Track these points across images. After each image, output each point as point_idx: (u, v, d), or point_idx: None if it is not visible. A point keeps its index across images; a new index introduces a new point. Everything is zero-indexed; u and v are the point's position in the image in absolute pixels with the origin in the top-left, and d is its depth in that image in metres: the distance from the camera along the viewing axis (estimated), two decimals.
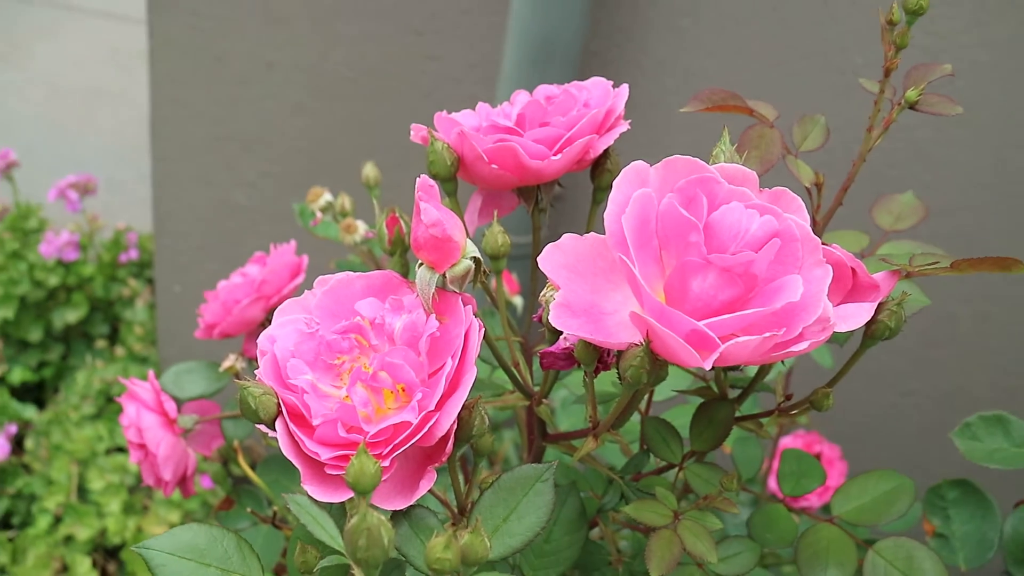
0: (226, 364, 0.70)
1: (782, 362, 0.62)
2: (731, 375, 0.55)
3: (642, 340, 0.41)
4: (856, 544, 0.56)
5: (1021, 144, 1.21)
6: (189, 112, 1.43)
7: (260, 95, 1.39)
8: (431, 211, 0.45)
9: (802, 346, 0.40)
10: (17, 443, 1.67)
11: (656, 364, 0.41)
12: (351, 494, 0.42)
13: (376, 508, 0.42)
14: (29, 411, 1.68)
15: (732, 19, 1.21)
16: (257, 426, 0.46)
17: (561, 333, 0.47)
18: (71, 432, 1.61)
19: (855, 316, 0.44)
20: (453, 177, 0.52)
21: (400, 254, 0.52)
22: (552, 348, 0.48)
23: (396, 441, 0.43)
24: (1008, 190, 1.24)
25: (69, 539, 1.49)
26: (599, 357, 0.46)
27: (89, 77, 3.10)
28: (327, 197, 0.78)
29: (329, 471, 0.44)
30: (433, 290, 0.46)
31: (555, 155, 0.50)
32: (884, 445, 1.46)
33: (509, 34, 1.19)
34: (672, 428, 0.56)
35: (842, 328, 0.43)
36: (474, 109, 0.56)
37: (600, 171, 0.54)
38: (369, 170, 0.77)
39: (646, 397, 0.59)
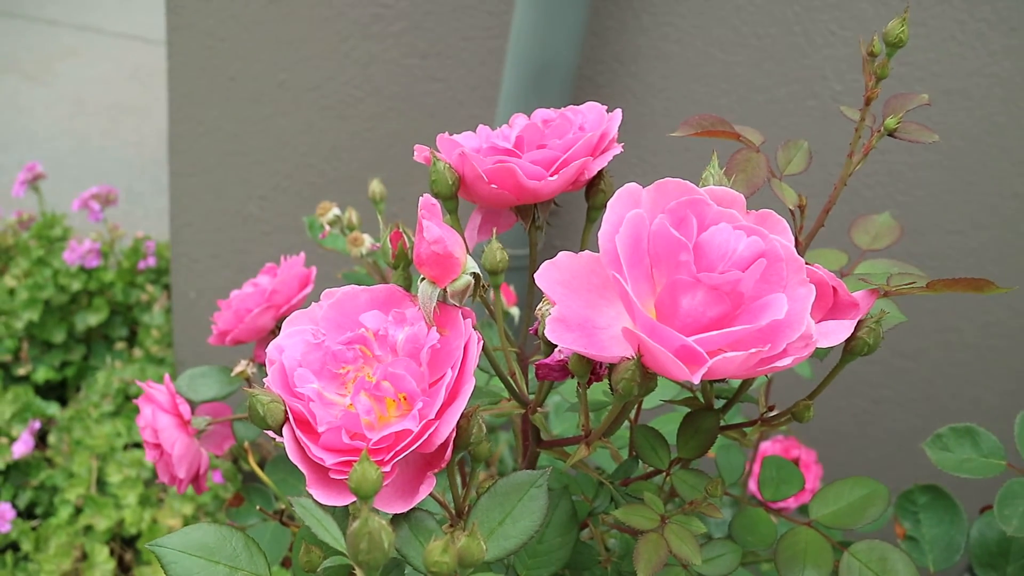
0: (238, 369, 0.70)
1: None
2: (716, 386, 0.55)
3: (634, 354, 0.40)
4: (832, 546, 0.55)
5: (989, 168, 1.21)
6: (205, 128, 1.43)
7: (272, 113, 1.39)
8: (433, 229, 0.44)
9: (786, 361, 0.39)
10: (41, 438, 1.66)
11: (647, 377, 0.41)
12: (354, 498, 0.41)
13: (377, 511, 0.41)
14: (52, 408, 1.68)
15: (718, 47, 1.20)
16: (265, 432, 0.45)
17: (556, 346, 0.47)
18: (91, 428, 1.61)
19: (836, 333, 0.43)
20: (454, 196, 0.52)
21: (403, 268, 0.51)
22: (547, 360, 0.48)
23: (398, 448, 0.42)
24: (976, 212, 1.24)
25: (89, 529, 1.48)
26: (592, 369, 0.46)
27: (112, 94, 3.10)
28: (335, 211, 0.78)
29: (333, 476, 0.43)
30: (435, 304, 0.45)
31: (552, 176, 0.49)
32: (857, 449, 1.45)
33: (509, 59, 1.18)
34: (660, 436, 0.55)
35: (824, 344, 0.42)
36: (475, 130, 0.55)
37: (594, 191, 0.53)
38: (375, 186, 0.77)
39: (636, 406, 0.58)
